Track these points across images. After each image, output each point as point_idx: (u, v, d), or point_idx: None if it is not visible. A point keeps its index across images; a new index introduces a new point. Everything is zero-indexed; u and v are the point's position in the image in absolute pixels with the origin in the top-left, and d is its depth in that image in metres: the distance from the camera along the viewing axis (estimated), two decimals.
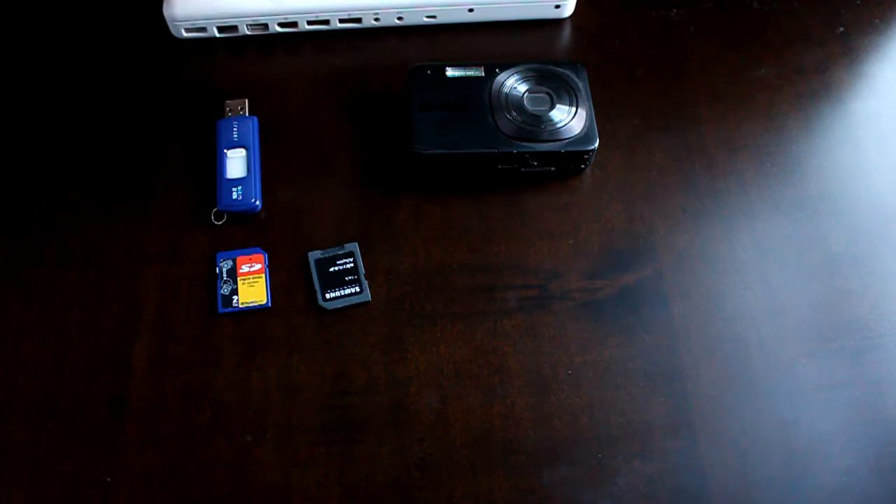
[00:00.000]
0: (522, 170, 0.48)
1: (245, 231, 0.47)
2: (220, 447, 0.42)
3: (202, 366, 0.44)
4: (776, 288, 0.46)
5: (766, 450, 0.42)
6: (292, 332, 0.45)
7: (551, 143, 0.47)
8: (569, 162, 0.48)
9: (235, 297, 0.45)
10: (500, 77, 0.49)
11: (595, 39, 0.54)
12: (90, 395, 0.43)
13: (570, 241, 0.47)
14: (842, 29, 0.55)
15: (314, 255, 0.46)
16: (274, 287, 0.46)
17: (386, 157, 0.49)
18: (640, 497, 0.41)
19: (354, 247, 0.47)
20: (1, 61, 0.53)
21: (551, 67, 0.50)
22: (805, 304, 0.46)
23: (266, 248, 0.47)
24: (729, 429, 0.42)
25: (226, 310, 0.45)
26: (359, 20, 0.53)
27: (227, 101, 0.50)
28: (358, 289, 0.46)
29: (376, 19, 0.53)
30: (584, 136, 0.47)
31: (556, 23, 0.55)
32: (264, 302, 0.45)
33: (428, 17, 0.53)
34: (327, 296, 0.45)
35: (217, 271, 0.46)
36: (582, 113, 0.48)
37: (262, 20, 0.52)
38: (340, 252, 0.47)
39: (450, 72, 0.49)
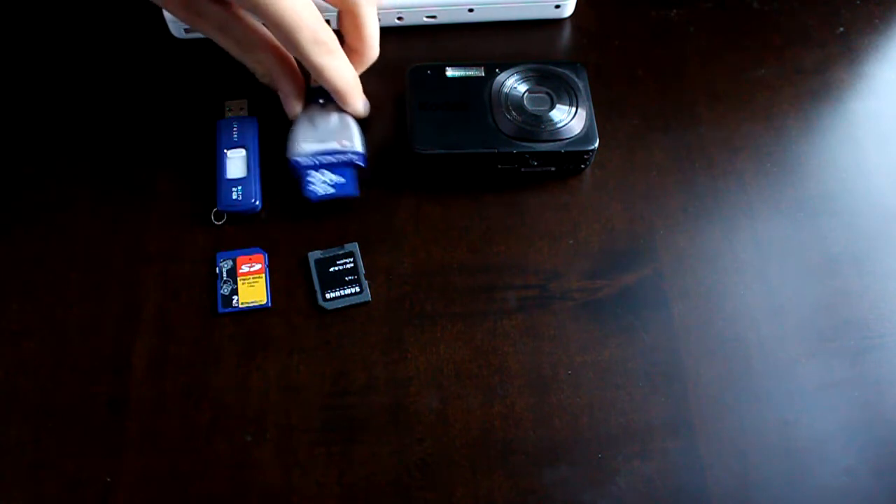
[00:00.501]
0: (522, 170, 0.48)
1: (245, 231, 0.47)
2: (220, 447, 0.42)
3: (202, 366, 0.44)
4: (776, 288, 0.46)
5: (766, 450, 0.42)
6: (292, 332, 0.45)
7: (551, 143, 0.47)
8: (569, 162, 0.48)
9: (235, 297, 0.45)
10: (500, 77, 0.49)
11: (595, 39, 0.54)
12: (90, 395, 0.43)
13: (570, 241, 0.47)
14: (842, 29, 0.55)
15: (314, 255, 0.46)
16: (274, 287, 0.46)
17: (386, 157, 0.49)
18: (640, 497, 0.41)
19: (354, 247, 0.47)
20: (1, 61, 0.53)
21: (551, 67, 0.50)
22: (805, 304, 0.46)
23: (266, 248, 0.47)
24: (729, 429, 0.43)
25: (226, 310, 0.45)
26: None
27: (227, 101, 0.50)
28: (358, 289, 0.46)
29: None
30: (584, 136, 0.47)
31: (556, 23, 0.55)
32: (264, 302, 0.45)
33: (428, 17, 0.53)
34: (327, 296, 0.45)
35: (217, 271, 0.46)
36: (582, 113, 0.48)
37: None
38: (340, 252, 0.47)
39: (450, 72, 0.49)
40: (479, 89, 0.49)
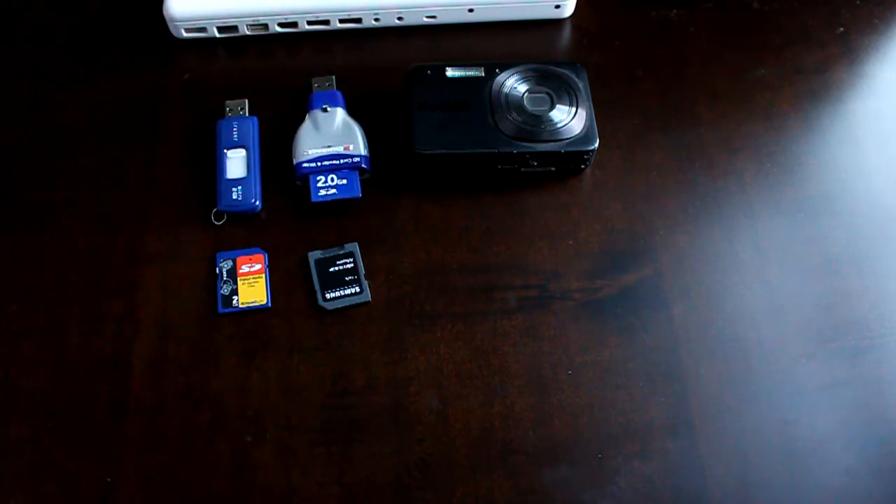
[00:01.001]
0: (522, 170, 0.48)
1: (245, 231, 0.47)
2: (220, 447, 0.42)
3: (202, 366, 0.44)
4: (776, 288, 0.46)
5: (766, 450, 0.42)
6: (292, 332, 0.45)
7: (551, 144, 0.47)
8: (569, 162, 0.48)
9: (235, 297, 0.45)
10: (500, 77, 0.49)
11: (595, 39, 0.54)
12: (90, 395, 0.43)
13: (570, 241, 0.47)
14: (842, 29, 0.55)
15: (314, 255, 0.46)
16: (274, 287, 0.46)
17: (386, 157, 0.49)
18: (640, 497, 0.41)
19: (354, 247, 0.47)
20: (1, 61, 0.53)
21: (551, 67, 0.50)
22: (805, 304, 0.46)
23: (266, 248, 0.47)
24: (729, 429, 0.43)
25: (226, 310, 0.45)
26: (359, 20, 0.53)
27: (227, 101, 0.50)
28: (358, 289, 0.46)
29: (376, 19, 0.53)
30: (584, 137, 0.47)
31: (556, 23, 0.55)
32: (264, 302, 0.45)
33: (428, 17, 0.53)
34: (327, 296, 0.45)
35: (217, 271, 0.46)
36: (582, 113, 0.48)
37: (262, 20, 0.52)
38: (340, 252, 0.47)
39: (450, 72, 0.49)
40: (479, 89, 0.49)
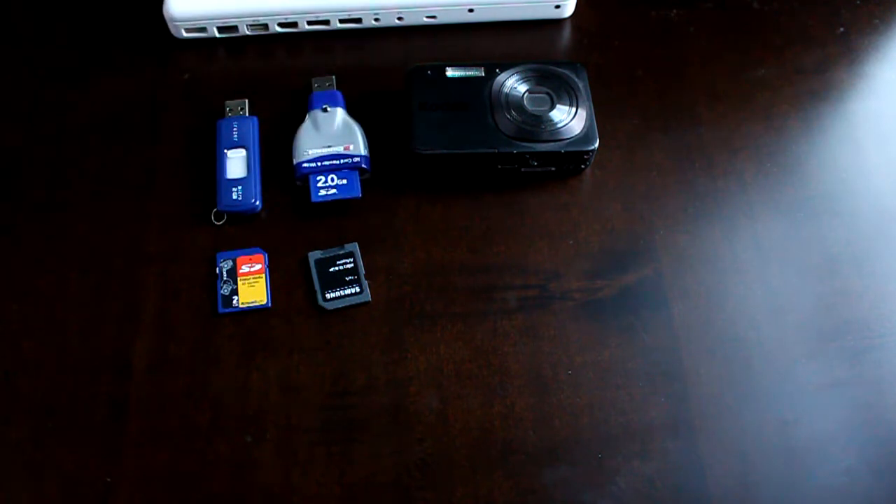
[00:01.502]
0: (522, 170, 0.48)
1: (245, 231, 0.47)
2: (220, 447, 0.42)
3: (202, 366, 0.44)
4: (776, 288, 0.46)
5: (766, 450, 0.42)
6: (292, 332, 0.45)
7: (551, 144, 0.47)
8: (569, 162, 0.48)
9: (235, 298, 0.45)
10: (500, 77, 0.49)
11: (595, 39, 0.54)
12: (90, 395, 0.43)
13: (570, 241, 0.47)
14: (842, 29, 0.55)
15: (314, 255, 0.46)
16: (274, 287, 0.46)
17: (386, 157, 0.49)
18: (640, 497, 0.41)
19: (354, 247, 0.47)
20: (1, 61, 0.53)
21: (551, 67, 0.50)
22: (805, 304, 0.46)
23: (266, 248, 0.47)
24: (729, 429, 0.43)
25: (226, 310, 0.45)
26: (359, 20, 0.53)
27: (227, 101, 0.50)
28: (358, 289, 0.46)
29: (376, 19, 0.53)
30: (584, 137, 0.47)
31: (556, 23, 0.55)
32: (264, 302, 0.45)
33: (428, 17, 0.53)
34: (327, 296, 0.45)
35: (217, 271, 0.46)
36: (582, 113, 0.48)
37: (262, 20, 0.52)
38: (340, 252, 0.47)
39: (450, 72, 0.49)
40: (479, 89, 0.49)
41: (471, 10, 0.53)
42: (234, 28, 0.53)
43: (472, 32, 0.54)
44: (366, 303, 0.45)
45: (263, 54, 0.53)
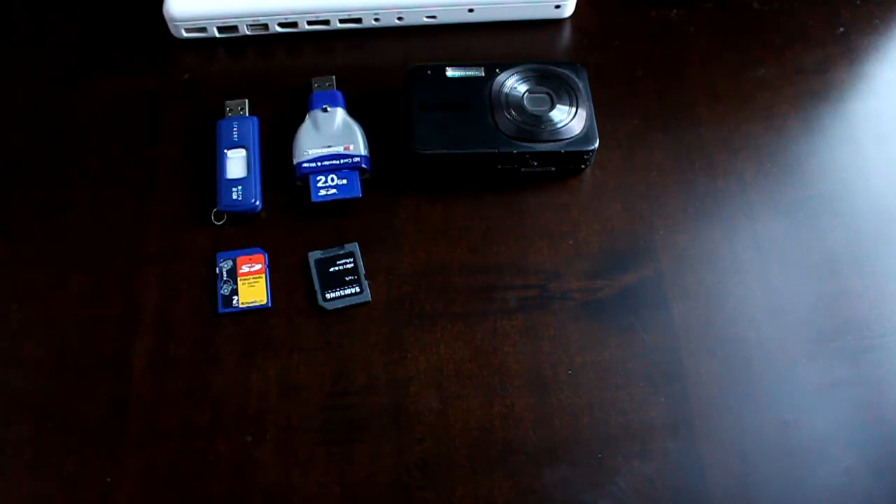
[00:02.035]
0: (522, 170, 0.48)
1: (245, 231, 0.47)
2: (220, 447, 0.42)
3: (202, 366, 0.44)
4: (776, 288, 0.46)
5: (766, 450, 0.42)
6: (292, 332, 0.45)
7: (551, 144, 0.47)
8: (569, 162, 0.48)
9: (235, 298, 0.45)
10: (500, 77, 0.49)
11: (595, 39, 0.54)
12: (90, 395, 0.43)
13: (570, 241, 0.47)
14: (842, 29, 0.55)
15: (314, 255, 0.46)
16: (274, 287, 0.46)
17: (386, 157, 0.49)
18: (640, 497, 0.41)
19: (354, 247, 0.47)
20: (2, 61, 0.53)
21: (551, 67, 0.50)
22: (805, 304, 0.46)
23: (266, 248, 0.47)
24: (729, 429, 0.43)
25: (226, 310, 0.45)
26: (359, 20, 0.53)
27: (227, 101, 0.50)
28: (358, 289, 0.46)
29: (376, 19, 0.53)
30: (584, 137, 0.47)
31: (556, 23, 0.55)
32: (264, 302, 0.45)
33: (428, 17, 0.53)
34: (327, 296, 0.45)
35: (217, 271, 0.46)
36: (582, 113, 0.48)
37: (262, 20, 0.52)
38: (340, 252, 0.47)
39: (450, 72, 0.49)
40: (479, 89, 0.49)
41: (471, 10, 0.53)
42: (234, 28, 0.53)
43: (472, 32, 0.54)
44: (366, 303, 0.45)
45: (263, 54, 0.53)
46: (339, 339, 0.45)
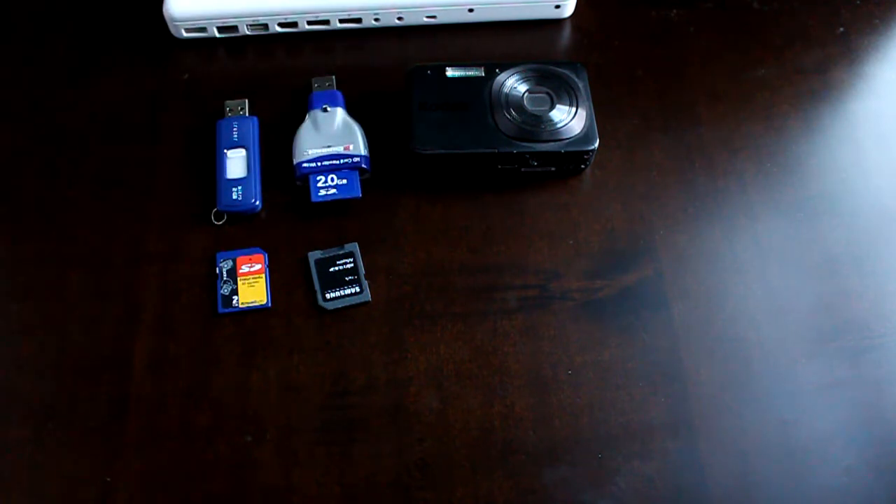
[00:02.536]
0: (522, 170, 0.48)
1: (245, 231, 0.47)
2: (220, 447, 0.42)
3: (202, 366, 0.44)
4: (776, 288, 0.46)
5: (766, 450, 0.42)
6: (292, 332, 0.45)
7: (551, 144, 0.47)
8: (569, 162, 0.48)
9: (235, 297, 0.45)
10: (500, 77, 0.49)
11: (595, 39, 0.54)
12: (90, 395, 0.43)
13: (570, 241, 0.47)
14: (842, 29, 0.55)
15: (314, 255, 0.46)
16: (274, 287, 0.46)
17: (386, 157, 0.49)
18: (640, 497, 0.41)
19: (354, 247, 0.47)
20: (1, 61, 0.53)
21: (551, 67, 0.50)
22: (805, 304, 0.46)
23: (266, 248, 0.47)
24: (729, 429, 0.43)
25: (226, 310, 0.45)
26: (359, 20, 0.53)
27: (227, 101, 0.50)
28: (358, 289, 0.46)
29: (376, 19, 0.53)
30: (584, 137, 0.47)
31: (556, 23, 0.55)
32: (264, 302, 0.45)
33: (428, 17, 0.53)
34: (327, 296, 0.45)
35: (217, 271, 0.46)
36: (582, 113, 0.48)
37: (262, 20, 0.52)
38: (340, 252, 0.47)
39: (450, 72, 0.49)
40: (479, 89, 0.49)
41: (471, 10, 0.53)
42: (234, 28, 0.53)
43: (472, 32, 0.54)
44: (366, 303, 0.45)
45: (263, 54, 0.53)
46: (339, 339, 0.45)
